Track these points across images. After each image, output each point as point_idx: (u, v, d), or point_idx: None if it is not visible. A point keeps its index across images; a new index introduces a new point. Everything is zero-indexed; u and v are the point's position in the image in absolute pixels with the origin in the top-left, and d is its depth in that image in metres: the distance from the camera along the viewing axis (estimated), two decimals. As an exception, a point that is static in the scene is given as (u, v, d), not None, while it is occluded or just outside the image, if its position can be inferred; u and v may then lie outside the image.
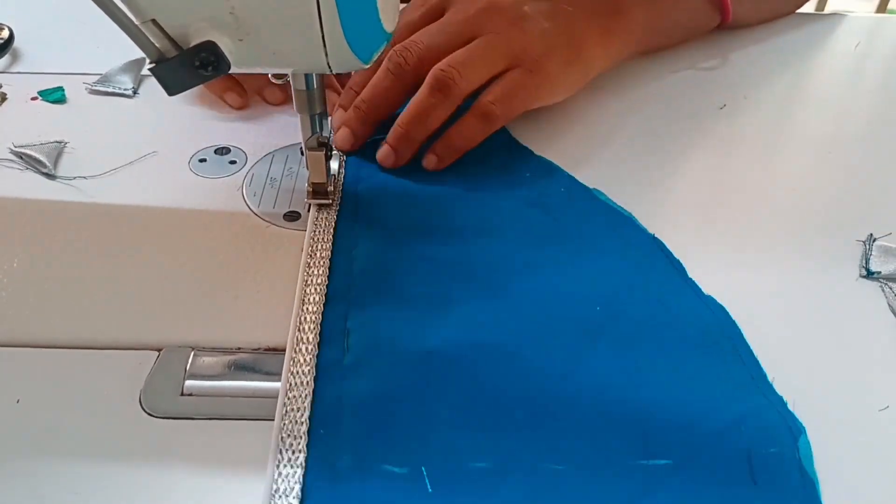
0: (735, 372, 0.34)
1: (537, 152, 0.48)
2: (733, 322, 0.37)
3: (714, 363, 0.35)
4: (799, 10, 0.65)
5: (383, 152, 0.46)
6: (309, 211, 0.42)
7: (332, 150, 0.42)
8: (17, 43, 0.56)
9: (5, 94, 0.51)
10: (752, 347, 0.36)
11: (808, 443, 0.31)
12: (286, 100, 0.51)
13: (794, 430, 0.32)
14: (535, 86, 0.46)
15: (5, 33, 0.56)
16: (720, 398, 0.33)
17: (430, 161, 0.46)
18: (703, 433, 0.32)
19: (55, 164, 0.46)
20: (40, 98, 0.51)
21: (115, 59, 0.54)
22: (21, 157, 0.46)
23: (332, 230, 0.40)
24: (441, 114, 0.45)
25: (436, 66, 0.44)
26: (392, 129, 0.46)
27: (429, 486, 0.29)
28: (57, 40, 0.57)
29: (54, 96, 0.51)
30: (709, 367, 0.35)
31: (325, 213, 0.42)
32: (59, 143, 0.47)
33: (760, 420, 0.32)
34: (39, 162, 0.45)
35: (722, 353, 0.35)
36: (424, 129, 0.45)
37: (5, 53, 0.55)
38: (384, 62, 0.46)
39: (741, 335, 0.36)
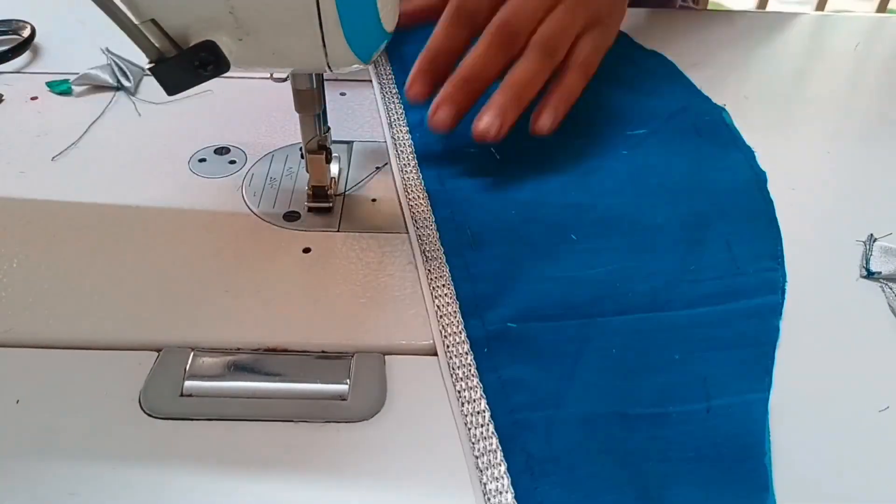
0: None
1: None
2: None
3: None
4: (799, 10, 0.65)
5: (485, 125, 0.43)
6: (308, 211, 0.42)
7: (331, 152, 0.42)
8: (38, 40, 0.56)
9: (1, 96, 0.51)
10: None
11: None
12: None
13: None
14: (610, 39, 0.50)
15: (26, 31, 0.56)
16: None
17: (544, 123, 0.45)
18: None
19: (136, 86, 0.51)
20: (49, 89, 0.52)
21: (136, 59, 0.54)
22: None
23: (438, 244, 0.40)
24: (545, 78, 0.46)
25: (538, 35, 0.45)
26: (498, 97, 0.44)
27: None
28: (80, 38, 0.57)
29: (60, 88, 0.52)
30: None
31: (426, 229, 0.41)
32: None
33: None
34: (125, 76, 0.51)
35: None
36: (532, 93, 0.45)
37: (25, 51, 0.55)
38: (487, 36, 0.45)
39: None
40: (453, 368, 0.34)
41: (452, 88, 0.44)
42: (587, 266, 0.40)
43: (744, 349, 0.36)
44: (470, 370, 0.34)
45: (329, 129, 0.41)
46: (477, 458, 0.31)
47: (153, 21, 0.32)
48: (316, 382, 0.34)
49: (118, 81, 0.52)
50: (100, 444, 0.32)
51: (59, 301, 0.37)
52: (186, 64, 0.33)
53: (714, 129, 0.51)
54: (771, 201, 0.45)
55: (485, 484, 0.30)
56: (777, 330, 0.37)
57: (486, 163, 0.47)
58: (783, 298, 0.39)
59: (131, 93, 0.52)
